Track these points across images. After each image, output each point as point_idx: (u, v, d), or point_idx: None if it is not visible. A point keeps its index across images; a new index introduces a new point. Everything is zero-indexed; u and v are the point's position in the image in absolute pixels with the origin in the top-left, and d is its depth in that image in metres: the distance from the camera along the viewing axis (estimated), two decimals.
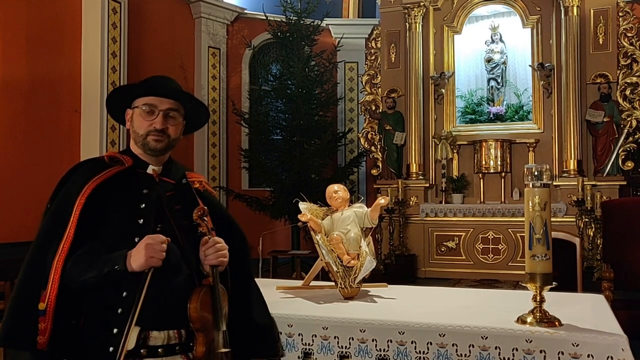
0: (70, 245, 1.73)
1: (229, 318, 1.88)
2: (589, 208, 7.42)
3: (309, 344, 2.09)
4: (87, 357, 1.74)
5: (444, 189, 8.65)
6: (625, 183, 7.88)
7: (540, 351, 1.84)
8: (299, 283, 2.79)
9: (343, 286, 2.42)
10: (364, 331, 2.03)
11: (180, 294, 1.82)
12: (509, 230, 8.11)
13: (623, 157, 7.86)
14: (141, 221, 1.83)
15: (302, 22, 9.25)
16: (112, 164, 1.88)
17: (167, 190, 1.94)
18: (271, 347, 2.07)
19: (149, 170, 1.92)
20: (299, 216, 2.53)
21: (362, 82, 9.58)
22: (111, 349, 1.70)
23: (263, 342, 2.04)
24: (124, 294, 1.75)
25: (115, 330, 1.72)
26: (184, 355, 1.83)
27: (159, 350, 1.78)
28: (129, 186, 1.87)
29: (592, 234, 7.41)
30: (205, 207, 1.88)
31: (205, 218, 1.86)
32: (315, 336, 2.08)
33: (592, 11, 8.14)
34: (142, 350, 1.74)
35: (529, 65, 8.68)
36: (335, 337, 2.06)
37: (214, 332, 1.80)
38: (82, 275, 1.71)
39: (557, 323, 1.90)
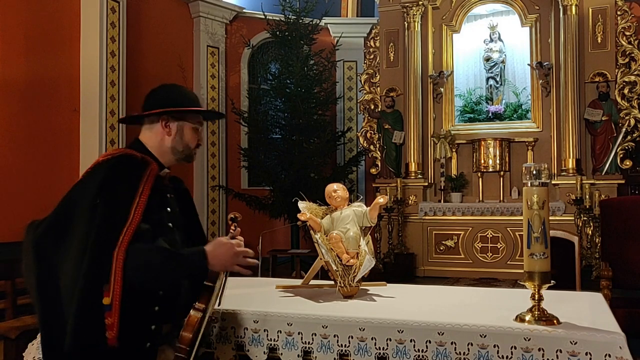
0: (130, 239, 1.72)
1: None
2: (587, 207, 7.44)
3: (308, 342, 2.10)
4: (124, 352, 1.73)
5: (442, 187, 8.67)
6: (623, 182, 7.89)
7: (539, 349, 1.84)
8: (299, 282, 2.80)
9: (342, 285, 2.42)
10: (364, 330, 2.04)
11: (184, 293, 1.93)
12: (508, 229, 8.12)
13: (621, 155, 7.88)
14: (170, 225, 1.94)
15: (300, 21, 9.25)
16: (143, 164, 1.90)
17: (170, 193, 2.05)
18: None
19: (163, 172, 2.00)
20: (299, 215, 2.54)
21: (361, 81, 9.58)
22: (148, 344, 1.80)
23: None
24: (160, 292, 1.84)
25: (153, 327, 1.81)
26: (170, 346, 1.94)
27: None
28: (158, 189, 1.91)
29: (590, 232, 7.43)
30: (240, 215, 2.08)
31: (235, 222, 2.05)
32: (315, 335, 2.09)
33: (590, 10, 8.15)
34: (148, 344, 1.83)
35: (528, 64, 8.69)
36: (334, 336, 2.07)
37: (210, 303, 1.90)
38: (158, 274, 1.77)
39: (555, 321, 1.91)
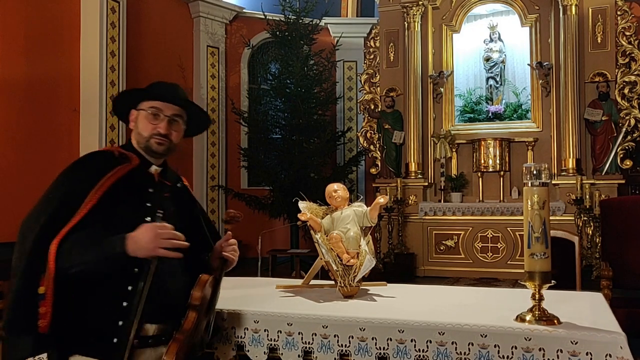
0: (68, 231, 1.74)
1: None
2: (587, 207, 7.44)
3: (309, 342, 2.10)
4: (90, 346, 1.77)
5: (442, 187, 8.66)
6: (623, 181, 7.89)
7: (539, 349, 1.84)
8: (299, 282, 2.80)
9: (343, 285, 2.42)
10: (364, 330, 2.03)
11: (175, 292, 1.90)
12: (508, 228, 8.12)
13: (621, 155, 7.88)
14: (149, 219, 1.87)
15: (300, 21, 9.25)
16: (121, 160, 1.92)
17: (165, 192, 2.00)
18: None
19: (152, 169, 1.97)
20: (299, 215, 2.53)
21: (361, 81, 9.59)
22: (115, 340, 1.75)
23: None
24: (129, 287, 1.80)
25: (120, 323, 1.77)
26: (154, 348, 1.89)
27: (149, 340, 1.85)
28: (135, 184, 1.91)
29: (590, 232, 7.43)
30: (240, 214, 2.07)
31: (234, 220, 2.05)
32: (315, 335, 2.09)
33: (590, 10, 8.15)
34: (135, 341, 1.79)
35: (528, 64, 8.69)
36: (335, 336, 2.06)
37: (203, 318, 1.90)
38: (81, 258, 1.73)
39: (556, 321, 1.91)
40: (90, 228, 1.77)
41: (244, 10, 10.26)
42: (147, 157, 1.98)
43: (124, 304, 1.78)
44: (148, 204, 1.90)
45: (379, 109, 9.16)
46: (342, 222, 2.56)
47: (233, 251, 2.04)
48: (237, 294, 2.49)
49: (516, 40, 8.98)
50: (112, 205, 1.82)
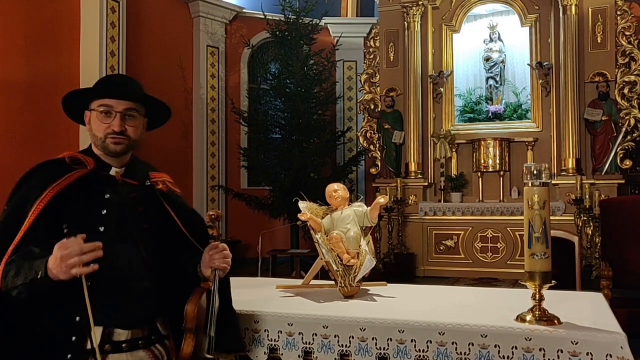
0: (13, 249, 1.66)
1: None
2: (587, 206, 7.43)
3: (309, 342, 2.10)
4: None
5: (442, 187, 8.66)
6: (623, 181, 7.89)
7: (540, 349, 1.84)
8: (299, 282, 2.80)
9: (343, 285, 2.42)
10: (364, 330, 2.03)
11: (143, 299, 1.82)
12: (508, 228, 8.12)
13: (621, 155, 7.88)
14: (102, 229, 1.79)
15: (300, 21, 9.25)
16: (73, 165, 1.82)
17: (130, 192, 1.90)
18: (234, 342, 2.05)
19: (112, 172, 1.88)
20: (299, 215, 2.53)
21: (360, 81, 9.58)
22: (69, 356, 1.70)
23: (224, 335, 1.99)
24: (81, 302, 1.72)
25: (74, 338, 1.71)
26: (147, 350, 1.84)
27: (123, 345, 1.79)
28: (90, 190, 1.82)
29: (590, 232, 7.43)
30: (220, 212, 1.90)
31: (217, 222, 1.89)
32: (316, 335, 2.09)
33: (590, 10, 8.14)
34: (106, 346, 1.74)
35: (528, 64, 8.69)
36: (335, 336, 2.07)
37: (202, 336, 1.82)
38: (12, 282, 1.62)
39: (556, 321, 1.91)
40: (29, 246, 1.67)
41: (243, 10, 10.25)
42: (106, 159, 1.87)
43: (77, 318, 1.70)
44: (104, 212, 1.80)
45: (379, 109, 9.16)
46: (342, 222, 2.56)
47: (222, 258, 1.88)
48: (237, 294, 2.49)
49: (516, 40, 8.97)
50: (58, 216, 1.70)
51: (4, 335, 1.67)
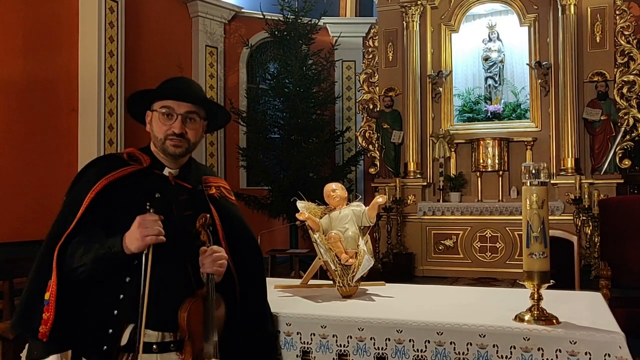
0: (68, 235, 1.75)
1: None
2: (586, 206, 7.44)
3: (307, 342, 2.10)
4: (86, 352, 1.79)
5: (441, 187, 8.66)
6: (622, 181, 7.89)
7: (538, 349, 1.84)
8: (298, 282, 2.80)
9: (341, 285, 2.42)
10: (362, 330, 2.03)
11: (176, 301, 1.81)
12: (507, 228, 8.12)
13: (620, 155, 7.88)
14: None
15: (299, 20, 9.24)
16: (130, 161, 1.88)
17: (181, 194, 1.92)
18: (266, 342, 2.06)
19: (165, 172, 1.92)
20: (297, 215, 2.53)
21: (359, 80, 9.58)
22: (105, 347, 1.75)
23: (256, 332, 2.00)
24: (121, 296, 1.78)
25: (110, 331, 1.76)
26: (179, 353, 1.83)
27: (154, 346, 1.79)
28: (142, 187, 1.87)
29: (589, 232, 7.43)
30: (208, 216, 1.85)
31: (207, 227, 1.84)
32: (314, 335, 2.09)
33: (589, 9, 8.15)
34: (137, 345, 1.74)
35: (527, 64, 8.69)
36: (333, 336, 2.06)
37: (204, 342, 1.79)
38: (79, 261, 1.73)
39: (554, 321, 1.91)
40: (89, 230, 1.76)
41: (242, 10, 10.25)
42: (162, 159, 1.92)
43: (115, 312, 1.77)
44: (150, 209, 1.80)
45: (378, 109, 9.16)
46: (341, 221, 2.56)
47: (212, 261, 1.82)
48: None
49: (515, 39, 8.98)
50: (107, 205, 1.80)
51: (57, 315, 1.71)
